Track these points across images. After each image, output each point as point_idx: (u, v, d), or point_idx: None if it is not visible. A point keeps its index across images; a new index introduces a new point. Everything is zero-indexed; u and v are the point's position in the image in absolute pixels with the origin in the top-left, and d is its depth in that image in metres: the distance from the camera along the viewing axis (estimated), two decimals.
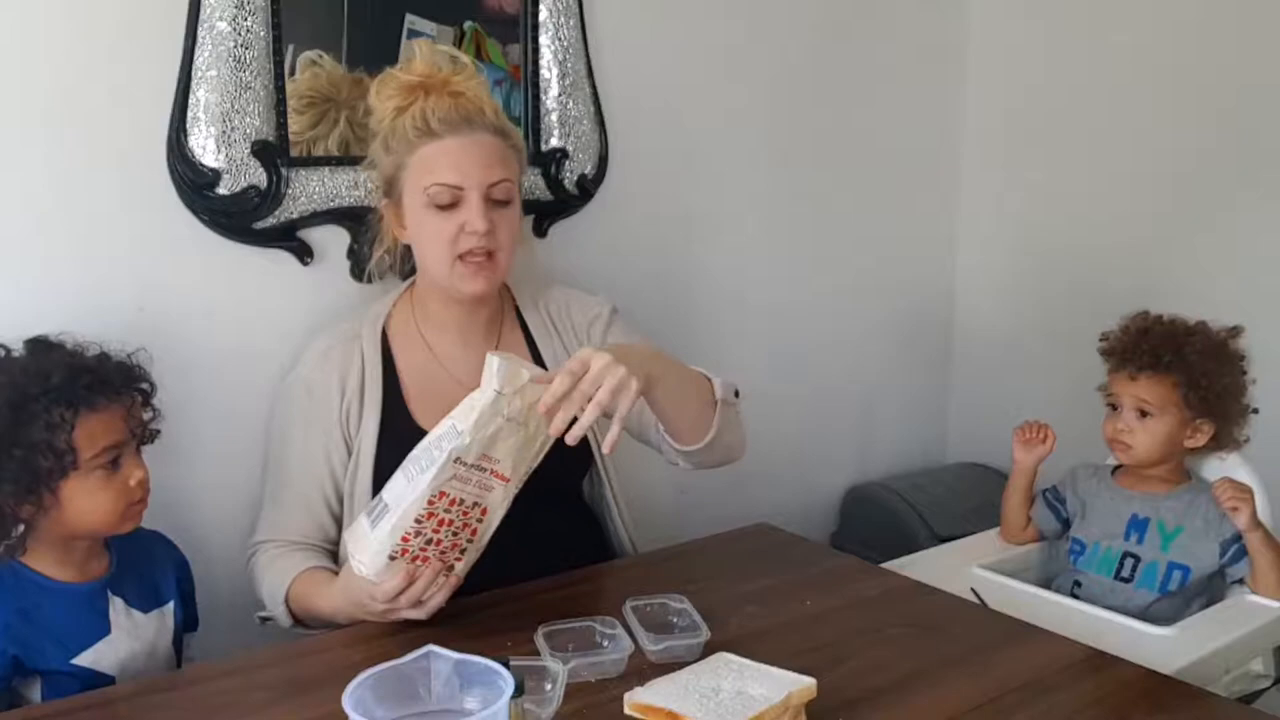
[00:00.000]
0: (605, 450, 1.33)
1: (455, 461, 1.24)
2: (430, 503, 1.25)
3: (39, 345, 1.36)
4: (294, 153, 1.70)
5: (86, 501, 1.30)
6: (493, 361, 1.26)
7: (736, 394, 1.54)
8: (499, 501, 1.30)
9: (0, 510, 1.27)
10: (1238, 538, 1.64)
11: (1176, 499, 1.72)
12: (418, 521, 1.26)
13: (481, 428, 1.23)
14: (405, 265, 1.70)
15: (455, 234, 1.49)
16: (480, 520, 1.30)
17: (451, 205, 1.50)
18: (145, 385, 1.40)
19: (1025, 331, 2.51)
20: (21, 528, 1.30)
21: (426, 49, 1.56)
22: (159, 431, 1.42)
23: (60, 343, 1.37)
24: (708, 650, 1.25)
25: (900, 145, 2.49)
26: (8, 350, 1.35)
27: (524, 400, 1.25)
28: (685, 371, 1.48)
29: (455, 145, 1.49)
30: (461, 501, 1.27)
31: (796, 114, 2.30)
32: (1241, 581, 1.67)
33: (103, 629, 1.34)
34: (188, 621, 1.49)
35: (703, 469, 1.56)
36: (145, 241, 1.60)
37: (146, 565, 1.42)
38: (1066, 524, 1.82)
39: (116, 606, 1.37)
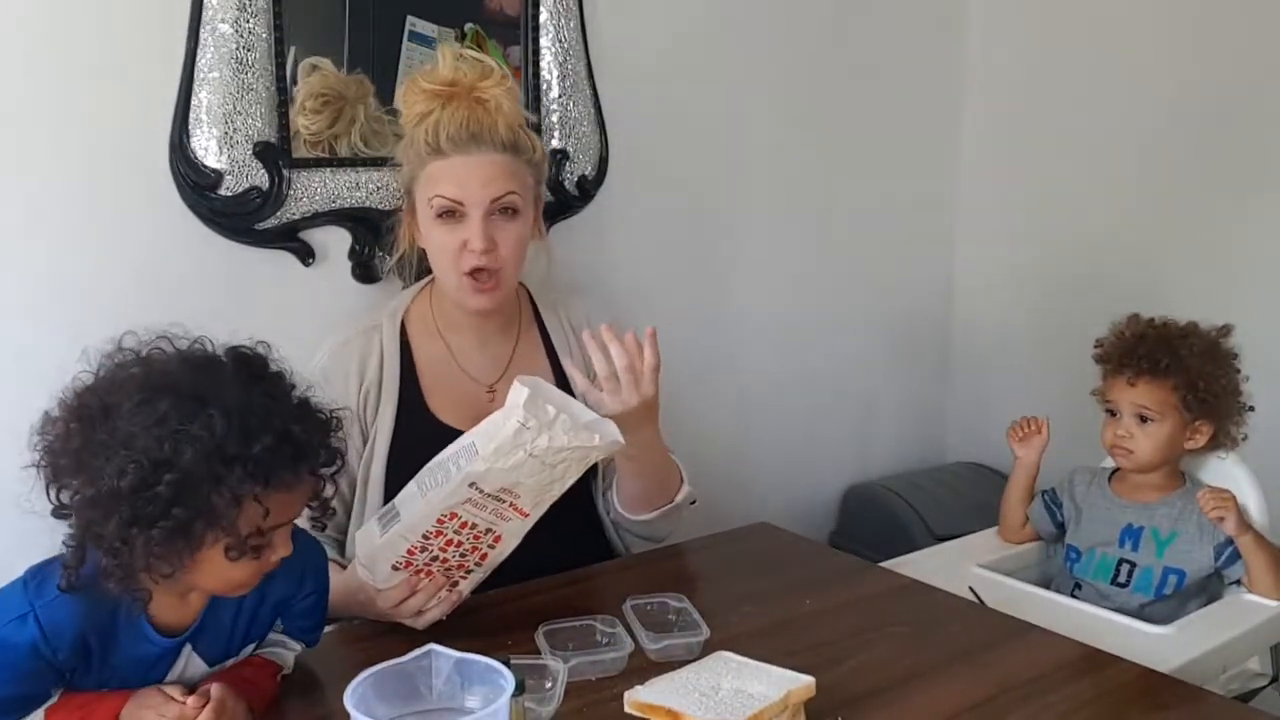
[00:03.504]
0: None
1: (471, 486, 1.21)
2: (440, 521, 1.24)
3: (255, 378, 1.06)
4: (315, 151, 1.71)
5: (216, 574, 1.05)
6: (520, 391, 1.21)
7: (693, 502, 1.61)
8: (515, 532, 1.29)
9: (131, 563, 1.01)
10: (1231, 540, 1.64)
11: (1170, 505, 1.71)
12: (424, 538, 1.25)
13: (502, 457, 1.20)
14: (418, 267, 1.70)
15: (459, 249, 1.51)
16: (493, 547, 1.30)
17: (454, 218, 1.51)
18: (340, 458, 1.11)
19: (1024, 331, 2.51)
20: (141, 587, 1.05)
21: (451, 55, 1.55)
22: (334, 510, 1.15)
23: (268, 364, 1.09)
24: (707, 649, 1.25)
25: (900, 146, 2.50)
26: (213, 358, 1.06)
27: (552, 443, 1.21)
28: (668, 456, 1.58)
29: (460, 163, 1.51)
30: (474, 526, 1.26)
31: (796, 115, 2.30)
32: (1239, 583, 1.67)
33: (151, 681, 1.11)
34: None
35: (619, 530, 1.65)
36: (147, 242, 1.61)
37: (233, 614, 1.15)
38: (1061, 528, 1.82)
39: (184, 659, 1.13)
